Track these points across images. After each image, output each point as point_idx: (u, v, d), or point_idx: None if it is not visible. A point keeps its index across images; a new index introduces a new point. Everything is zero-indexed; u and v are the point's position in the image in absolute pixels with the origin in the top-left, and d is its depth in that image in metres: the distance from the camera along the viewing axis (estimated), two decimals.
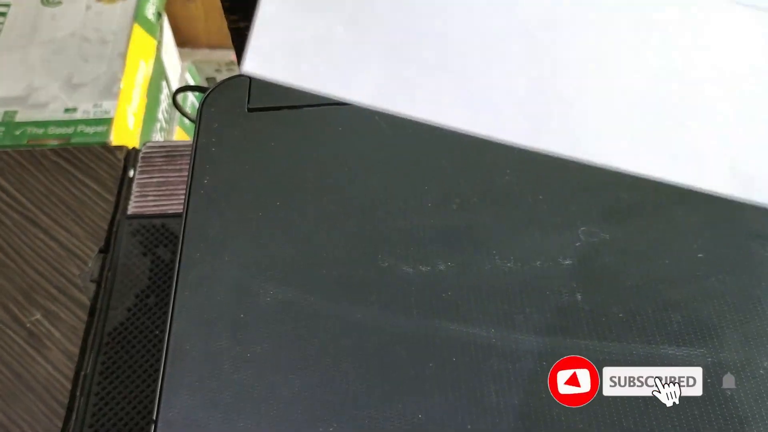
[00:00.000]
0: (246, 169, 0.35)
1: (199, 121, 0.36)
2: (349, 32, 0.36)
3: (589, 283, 0.31)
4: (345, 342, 0.30)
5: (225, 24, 0.46)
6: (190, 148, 0.36)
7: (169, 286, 0.47)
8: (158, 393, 0.28)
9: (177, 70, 1.07)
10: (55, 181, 0.50)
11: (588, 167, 0.35)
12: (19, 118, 0.77)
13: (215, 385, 0.28)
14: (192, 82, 1.12)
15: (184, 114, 0.49)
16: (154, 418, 0.27)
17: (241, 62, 0.36)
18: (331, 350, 0.29)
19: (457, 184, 0.35)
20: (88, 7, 0.88)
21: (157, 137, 0.92)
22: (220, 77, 1.21)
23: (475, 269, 0.32)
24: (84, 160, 0.52)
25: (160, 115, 0.95)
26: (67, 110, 0.79)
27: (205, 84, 1.20)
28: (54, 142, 0.76)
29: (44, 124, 0.77)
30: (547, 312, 0.30)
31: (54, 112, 0.78)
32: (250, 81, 0.38)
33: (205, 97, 0.37)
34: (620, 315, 0.30)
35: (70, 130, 0.77)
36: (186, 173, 0.53)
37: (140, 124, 0.85)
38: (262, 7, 0.36)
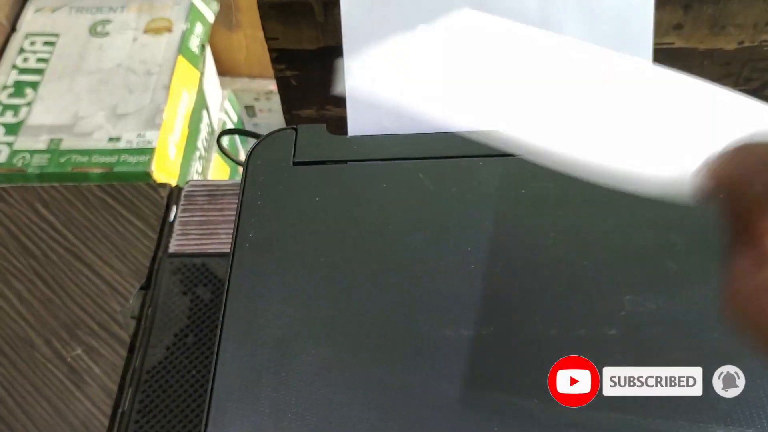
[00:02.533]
0: (290, 224, 0.35)
1: (246, 174, 0.37)
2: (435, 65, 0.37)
3: (635, 356, 0.31)
4: (384, 407, 0.29)
5: (266, 54, 0.46)
6: (236, 192, 0.36)
7: (207, 326, 0.48)
8: None
9: (218, 99, 1.09)
10: (101, 217, 0.51)
11: (633, 232, 0.35)
12: (64, 146, 0.80)
13: None
14: (231, 111, 1.14)
15: (228, 156, 0.49)
16: None
17: (348, 125, 0.37)
18: (370, 416, 0.29)
19: (502, 246, 0.35)
20: (134, 39, 0.91)
21: (197, 166, 0.94)
22: (259, 105, 1.23)
23: (517, 335, 0.32)
24: (128, 196, 0.53)
25: (199, 144, 0.96)
26: (111, 139, 0.81)
27: (243, 113, 1.22)
28: (98, 171, 0.78)
29: (88, 152, 0.79)
30: None
31: (98, 141, 0.80)
32: (296, 134, 0.39)
33: (252, 150, 0.38)
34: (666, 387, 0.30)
35: (113, 159, 0.79)
36: (227, 213, 0.54)
37: (181, 154, 0.87)
38: (347, 65, 0.37)
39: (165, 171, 0.81)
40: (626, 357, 0.31)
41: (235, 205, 0.35)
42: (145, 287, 0.48)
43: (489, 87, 0.39)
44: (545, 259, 0.34)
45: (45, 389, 0.43)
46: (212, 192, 0.55)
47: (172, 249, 0.51)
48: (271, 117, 1.26)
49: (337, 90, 0.40)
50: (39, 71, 0.87)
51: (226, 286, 0.33)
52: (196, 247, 0.51)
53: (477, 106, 0.39)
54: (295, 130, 0.39)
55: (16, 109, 0.83)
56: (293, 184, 0.36)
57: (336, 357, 0.31)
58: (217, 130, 1.07)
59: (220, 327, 0.31)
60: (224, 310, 0.32)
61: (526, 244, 0.35)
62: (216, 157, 1.04)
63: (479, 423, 0.29)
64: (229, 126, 1.12)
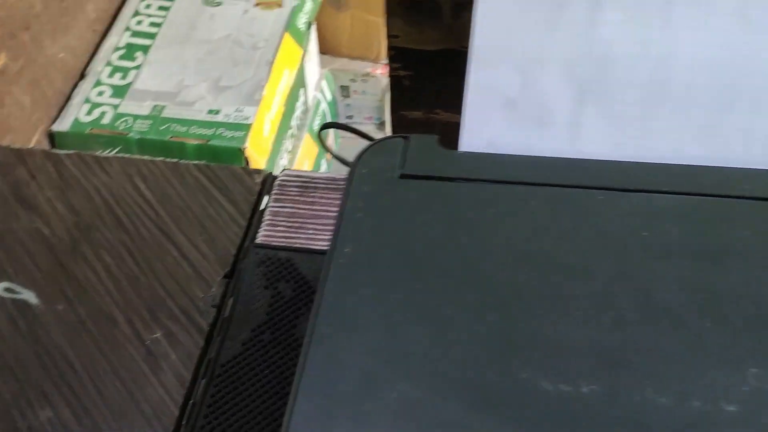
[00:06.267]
0: (391, 242, 0.33)
1: (350, 182, 0.35)
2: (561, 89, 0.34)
3: None
4: None
5: (368, 36, 0.44)
6: (328, 185, 0.35)
7: (285, 325, 0.46)
8: None
9: (315, 77, 1.08)
10: (194, 198, 0.51)
11: (767, 296, 0.31)
12: (166, 113, 0.80)
13: None
14: (327, 90, 1.13)
15: (329, 151, 0.48)
16: None
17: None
18: None
19: (614, 292, 0.31)
20: (245, 11, 0.90)
21: (287, 144, 0.94)
22: (354, 87, 1.22)
23: (622, 399, 0.28)
24: (224, 179, 0.52)
25: (293, 122, 0.96)
26: (210, 111, 0.81)
27: (338, 93, 1.21)
28: (194, 142, 0.79)
29: (188, 122, 0.80)
30: None
31: (199, 111, 0.81)
32: (406, 144, 0.36)
33: (359, 157, 0.36)
34: None
35: (210, 131, 0.80)
36: (318, 207, 0.52)
37: (275, 132, 0.86)
38: (473, 77, 0.35)
39: (258, 148, 0.81)
40: None
41: (327, 200, 0.33)
42: (228, 276, 0.48)
43: (624, 112, 0.36)
44: (663, 315, 0.31)
45: (121, 370, 0.43)
46: (305, 183, 0.53)
47: (259, 239, 0.49)
48: (365, 99, 1.25)
49: (447, 96, 0.37)
50: (151, 35, 0.88)
51: (317, 303, 0.31)
52: (283, 239, 0.50)
53: (607, 132, 0.36)
54: (405, 138, 0.36)
55: (125, 72, 0.84)
56: (398, 198, 0.34)
57: (421, 397, 0.29)
58: (311, 109, 1.06)
59: (306, 347, 0.30)
60: (312, 328, 0.30)
61: (642, 295, 0.31)
62: (306, 135, 1.03)
63: None
64: (323, 106, 1.11)
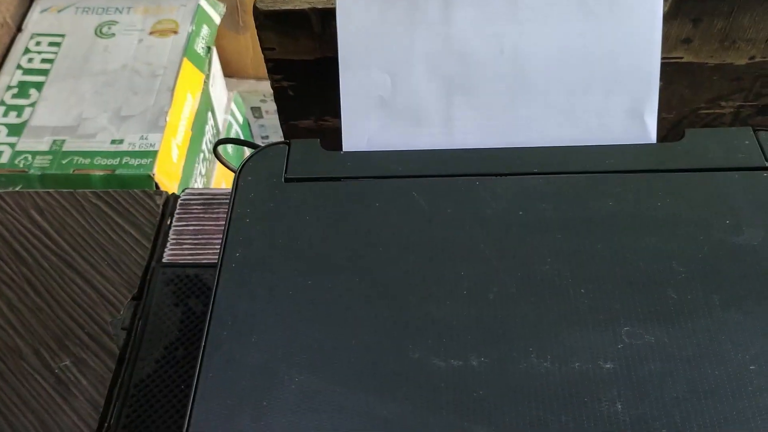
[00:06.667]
0: (279, 243, 0.34)
1: (235, 190, 0.36)
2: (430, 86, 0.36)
3: (631, 392, 0.29)
4: None
5: None
6: (227, 206, 0.36)
7: (198, 340, 0.47)
8: None
9: (223, 100, 1.08)
10: (95, 225, 0.51)
11: (633, 259, 0.33)
12: (66, 147, 0.79)
13: None
14: (237, 113, 1.13)
15: (226, 165, 0.49)
16: None
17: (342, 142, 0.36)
18: None
19: (496, 271, 0.33)
20: (140, 41, 0.90)
21: (200, 168, 0.93)
22: (265, 107, 1.22)
23: (510, 367, 0.31)
24: (124, 204, 0.52)
25: (203, 146, 0.96)
26: (114, 141, 0.80)
27: (250, 114, 1.21)
28: (99, 173, 0.78)
29: (91, 154, 0.79)
30: (584, 421, 0.29)
31: (101, 142, 0.80)
32: (288, 150, 0.38)
33: (242, 166, 0.37)
34: (663, 431, 0.28)
35: (115, 161, 0.79)
36: (223, 223, 0.53)
37: (184, 156, 0.86)
38: (343, 81, 0.36)
39: (167, 173, 0.81)
40: (621, 393, 0.29)
41: None
42: (136, 298, 0.48)
43: (490, 103, 0.38)
44: (541, 286, 0.33)
45: (31, 401, 0.42)
46: (208, 201, 0.54)
47: (165, 259, 0.50)
48: (278, 118, 1.25)
49: (333, 103, 0.39)
50: (44, 72, 0.86)
51: (210, 308, 0.32)
52: (190, 257, 0.50)
53: (477, 123, 0.38)
54: (288, 144, 0.38)
55: (19, 109, 0.82)
56: (284, 201, 0.35)
57: (320, 385, 0.30)
58: (223, 132, 1.06)
59: (202, 351, 0.30)
60: (207, 333, 0.31)
61: (521, 270, 0.34)
62: None
63: None
64: (235, 128, 1.11)
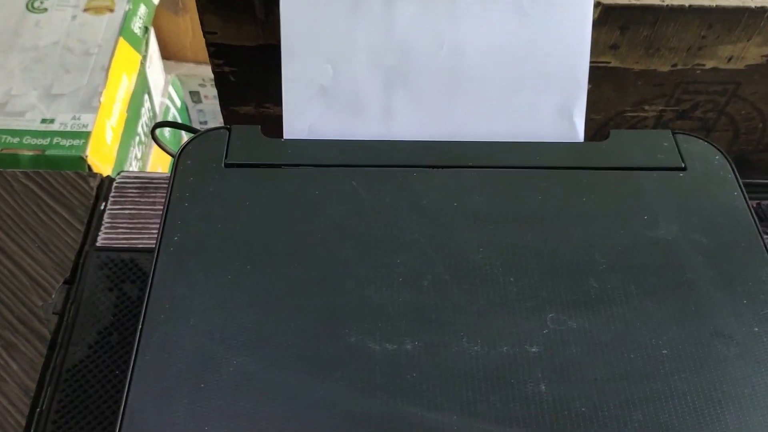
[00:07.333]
0: (218, 228, 0.34)
1: (174, 174, 0.36)
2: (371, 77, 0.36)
3: (554, 374, 0.31)
4: (304, 421, 0.29)
5: None
6: (165, 190, 0.36)
7: (132, 325, 0.46)
8: None
9: (161, 83, 1.06)
10: (25, 206, 0.49)
11: (559, 250, 0.35)
12: None
13: None
14: (176, 96, 1.11)
15: (164, 149, 0.48)
16: None
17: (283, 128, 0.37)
18: (290, 429, 0.29)
19: (430, 259, 0.35)
20: (73, 17, 0.87)
21: (136, 152, 0.91)
22: (204, 92, 1.20)
23: (442, 351, 0.32)
24: (55, 185, 0.51)
25: (139, 129, 0.94)
26: (44, 121, 0.78)
27: (188, 99, 1.19)
28: (29, 153, 0.75)
29: (20, 133, 0.76)
30: (510, 401, 0.30)
31: (31, 121, 0.77)
32: (229, 135, 0.38)
33: (182, 149, 0.37)
34: (583, 409, 0.30)
35: (45, 141, 0.76)
36: (159, 207, 0.52)
37: (118, 139, 0.84)
38: (285, 70, 0.37)
39: (101, 156, 0.79)
40: (545, 374, 0.31)
41: None
42: (69, 282, 0.47)
43: (428, 96, 0.39)
44: (473, 275, 0.35)
45: None
46: (145, 185, 0.53)
47: (99, 242, 0.49)
48: (217, 104, 1.23)
49: (275, 90, 0.39)
50: None
51: (147, 291, 0.32)
52: (125, 241, 0.50)
53: (415, 115, 0.39)
54: (229, 130, 0.38)
55: None
56: (223, 186, 0.36)
57: (256, 368, 0.31)
58: (159, 115, 1.04)
59: (138, 334, 0.30)
60: (144, 316, 0.31)
61: (454, 259, 0.35)
62: None
63: None
64: (172, 112, 1.09)
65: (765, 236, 0.52)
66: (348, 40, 0.38)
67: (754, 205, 0.53)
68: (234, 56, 0.44)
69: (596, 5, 0.42)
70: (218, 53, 0.44)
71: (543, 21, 0.39)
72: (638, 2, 0.43)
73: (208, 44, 0.43)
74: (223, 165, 0.37)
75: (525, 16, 0.38)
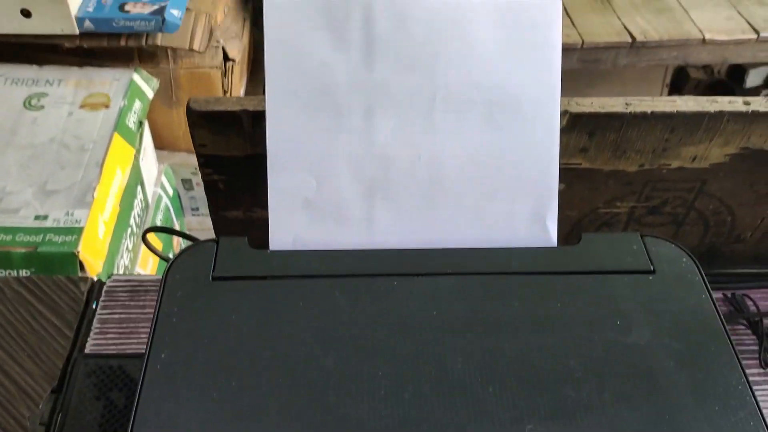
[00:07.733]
0: (205, 343, 0.35)
1: (163, 288, 0.37)
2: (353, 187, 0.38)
3: None
4: None
5: None
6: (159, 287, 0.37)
7: None
8: None
9: (154, 173, 1.08)
10: (16, 313, 0.50)
11: (536, 359, 0.36)
12: None
13: None
14: (168, 185, 1.14)
15: (156, 254, 0.50)
16: None
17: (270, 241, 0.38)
18: None
19: (411, 371, 0.36)
20: (70, 114, 0.90)
21: (127, 243, 0.93)
22: (196, 179, 1.23)
23: None
24: (47, 291, 0.52)
25: (131, 221, 0.95)
26: (37, 217, 0.79)
27: (180, 187, 1.22)
28: (21, 250, 0.76)
29: (13, 230, 0.77)
30: None
31: (24, 218, 0.79)
32: (217, 248, 0.39)
33: (171, 264, 0.38)
34: None
35: (38, 238, 0.77)
36: (149, 310, 0.53)
37: (110, 233, 0.85)
38: (270, 183, 0.39)
39: (92, 251, 0.80)
40: None
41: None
42: (56, 390, 0.47)
43: (408, 206, 0.41)
44: (452, 386, 0.35)
45: None
46: (135, 288, 0.54)
47: (88, 349, 0.50)
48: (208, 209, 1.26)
49: (262, 195, 0.41)
50: None
51: (134, 409, 0.33)
52: (114, 347, 0.50)
53: (396, 224, 0.41)
54: (217, 243, 0.40)
55: None
56: (210, 300, 0.37)
57: None
58: (152, 205, 1.06)
59: None
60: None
61: (434, 369, 0.36)
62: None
63: None
64: (165, 200, 1.11)
65: (739, 326, 0.53)
66: (331, 152, 0.41)
67: (729, 295, 0.55)
68: (223, 166, 0.46)
69: (564, 113, 0.45)
70: (208, 163, 0.46)
71: (513, 132, 0.41)
72: (603, 110, 0.45)
73: (199, 156, 0.45)
74: (210, 278, 0.38)
75: (497, 128, 0.41)
